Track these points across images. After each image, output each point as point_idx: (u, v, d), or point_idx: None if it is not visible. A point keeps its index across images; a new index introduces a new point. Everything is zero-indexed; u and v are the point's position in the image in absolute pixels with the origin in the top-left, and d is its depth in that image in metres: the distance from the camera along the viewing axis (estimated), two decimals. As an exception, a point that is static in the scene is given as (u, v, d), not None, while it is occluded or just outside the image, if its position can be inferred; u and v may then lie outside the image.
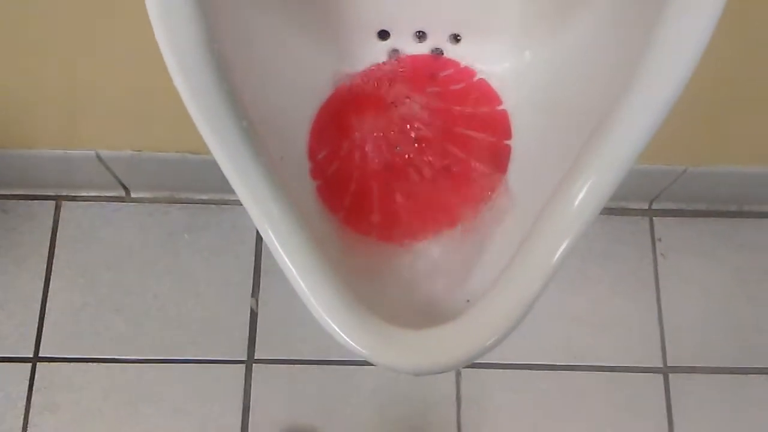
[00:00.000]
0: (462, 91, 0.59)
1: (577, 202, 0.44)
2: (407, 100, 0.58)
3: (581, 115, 0.50)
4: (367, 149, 0.57)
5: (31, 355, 1.00)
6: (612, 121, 0.44)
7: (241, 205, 0.44)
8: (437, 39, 0.59)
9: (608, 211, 1.07)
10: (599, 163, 0.44)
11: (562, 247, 0.44)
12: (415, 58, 0.59)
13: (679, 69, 0.42)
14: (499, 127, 0.58)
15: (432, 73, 0.59)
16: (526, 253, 0.45)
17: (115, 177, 1.01)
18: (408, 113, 0.58)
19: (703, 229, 1.09)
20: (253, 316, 1.02)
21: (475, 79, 0.59)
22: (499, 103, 0.58)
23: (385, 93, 0.59)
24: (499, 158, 0.56)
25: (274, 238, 0.44)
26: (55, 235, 1.05)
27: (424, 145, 0.57)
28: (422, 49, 0.59)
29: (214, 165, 0.44)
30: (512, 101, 0.58)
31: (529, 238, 0.45)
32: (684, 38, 0.42)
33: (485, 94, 0.58)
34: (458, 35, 0.58)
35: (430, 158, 0.57)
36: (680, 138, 0.89)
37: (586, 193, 0.44)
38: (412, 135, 0.58)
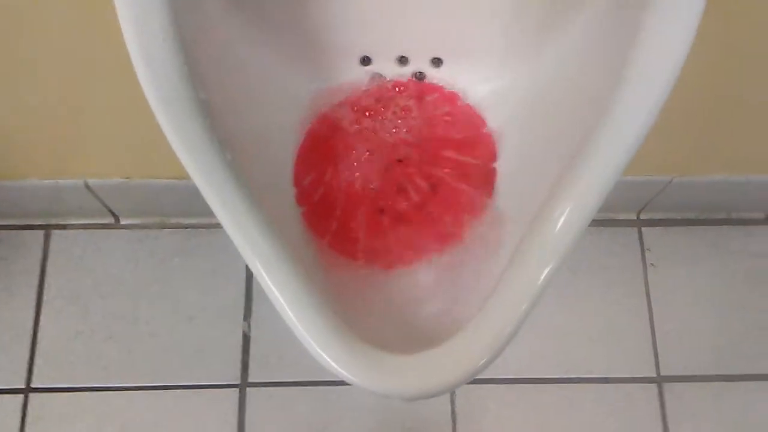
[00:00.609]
0: (447, 115, 0.59)
1: (559, 225, 0.44)
2: (392, 125, 0.59)
3: (564, 135, 0.51)
4: (352, 174, 0.58)
5: (23, 386, 0.99)
6: (591, 143, 0.44)
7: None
8: (419, 63, 0.59)
9: (597, 222, 1.08)
10: (580, 186, 0.44)
11: (547, 269, 0.44)
12: (399, 84, 0.60)
13: (656, 90, 0.43)
14: (485, 150, 0.58)
15: (417, 98, 0.59)
16: (512, 276, 0.45)
17: (104, 204, 1.01)
18: (393, 137, 0.59)
19: (692, 238, 1.09)
20: (246, 339, 1.02)
21: (460, 103, 0.59)
22: (484, 126, 0.58)
23: (370, 118, 0.59)
24: (485, 181, 0.57)
25: (262, 272, 0.44)
26: (45, 265, 1.05)
27: (410, 169, 0.58)
28: (404, 72, 0.60)
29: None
30: (497, 123, 0.58)
31: (514, 262, 0.45)
32: (660, 59, 0.43)
33: (470, 118, 0.59)
34: (440, 59, 0.59)
35: (417, 182, 0.57)
36: (665, 148, 0.90)
37: (569, 215, 0.44)
38: (399, 159, 0.58)
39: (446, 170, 0.57)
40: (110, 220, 1.06)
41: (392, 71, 0.59)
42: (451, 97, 0.59)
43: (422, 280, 0.53)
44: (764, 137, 0.90)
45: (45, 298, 1.03)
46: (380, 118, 0.59)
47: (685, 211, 1.09)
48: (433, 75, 0.59)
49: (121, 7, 0.39)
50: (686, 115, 0.83)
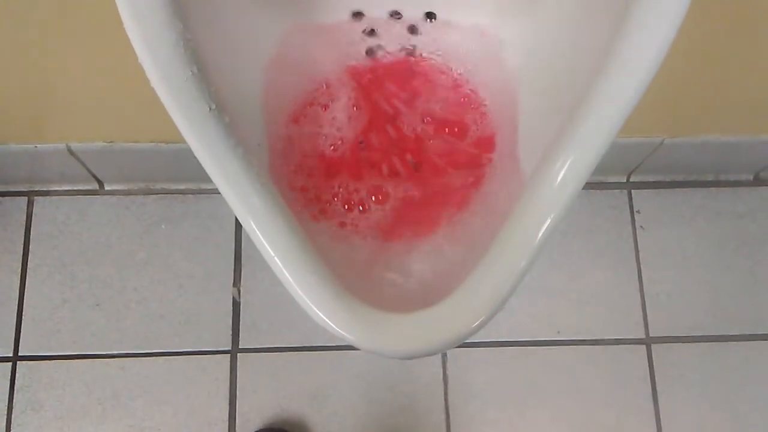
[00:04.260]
0: (450, 97, 0.58)
1: (559, 179, 0.44)
2: (396, 101, 0.58)
3: (563, 90, 0.50)
4: (352, 142, 0.56)
5: (11, 355, 0.98)
6: (590, 99, 0.44)
7: (219, 193, 0.44)
8: (412, 17, 0.58)
9: (587, 185, 1.06)
10: (579, 139, 0.44)
11: (546, 224, 0.44)
12: (405, 61, 0.58)
13: (655, 47, 0.42)
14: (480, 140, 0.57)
15: (421, 77, 0.58)
16: (510, 231, 0.44)
17: (88, 170, 0.99)
18: (394, 111, 0.57)
19: (681, 200, 1.10)
20: (236, 305, 1.01)
21: (465, 90, 0.58)
22: (487, 115, 0.57)
23: (375, 90, 0.58)
24: (486, 143, 0.56)
25: (255, 228, 0.43)
26: (29, 232, 1.03)
27: (409, 148, 0.57)
28: (397, 27, 0.58)
29: (188, 154, 0.43)
30: (490, 86, 0.58)
31: (512, 217, 0.45)
32: (659, 16, 0.42)
33: (473, 103, 0.58)
34: (433, 13, 0.58)
35: (412, 155, 0.57)
36: (657, 109, 0.90)
37: (568, 169, 0.44)
38: (402, 132, 0.57)
39: (448, 139, 0.57)
40: (94, 185, 1.04)
41: (385, 26, 0.58)
42: (456, 83, 0.58)
43: (420, 245, 0.53)
44: (754, 98, 0.90)
45: (30, 265, 1.02)
46: (385, 93, 0.58)
47: (675, 174, 1.09)
48: (427, 29, 0.58)
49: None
50: (677, 76, 0.82)
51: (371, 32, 0.58)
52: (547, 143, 0.47)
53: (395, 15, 0.58)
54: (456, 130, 0.57)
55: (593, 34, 0.48)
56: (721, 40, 0.78)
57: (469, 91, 0.58)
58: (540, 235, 0.44)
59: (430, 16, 0.58)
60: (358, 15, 0.58)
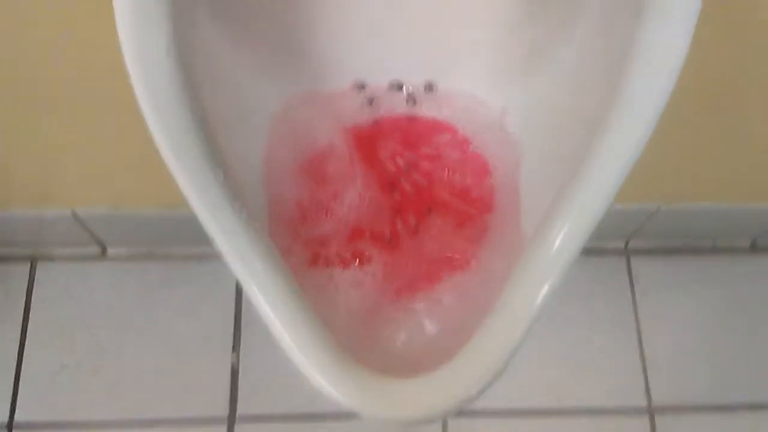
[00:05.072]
0: (453, 156, 0.60)
1: (556, 246, 0.44)
2: (399, 159, 0.59)
3: (560, 157, 0.51)
4: (354, 200, 0.58)
5: (7, 421, 0.97)
6: (586, 165, 0.45)
7: (219, 257, 0.44)
8: (412, 88, 0.60)
9: (585, 251, 1.07)
10: (576, 206, 0.45)
11: (544, 291, 0.44)
12: (407, 120, 0.60)
13: (644, 118, 0.43)
14: (481, 197, 0.58)
15: (425, 136, 0.60)
16: (507, 299, 0.45)
17: (92, 234, 1.00)
18: (397, 171, 0.59)
19: (679, 266, 1.10)
20: (234, 371, 1.00)
21: (470, 149, 0.60)
22: (488, 173, 0.59)
23: (380, 149, 0.59)
24: (487, 203, 0.57)
25: (256, 291, 0.44)
26: (30, 296, 1.03)
27: (411, 204, 0.58)
28: (398, 97, 0.60)
29: (191, 218, 0.44)
30: (492, 147, 0.59)
31: (511, 283, 0.45)
32: (647, 90, 0.43)
33: (477, 163, 0.59)
34: (433, 84, 0.60)
35: (413, 215, 0.58)
36: (653, 176, 0.91)
37: (565, 236, 0.44)
38: (403, 192, 0.58)
39: (441, 210, 0.58)
40: (97, 250, 1.05)
41: (386, 96, 0.60)
42: (463, 141, 0.59)
43: (420, 308, 0.53)
44: (749, 167, 0.91)
45: (30, 330, 1.01)
46: (389, 151, 0.59)
47: (673, 240, 1.10)
48: (427, 100, 0.60)
49: (122, 28, 0.39)
50: (673, 143, 0.84)
51: (372, 101, 0.60)
52: (547, 206, 0.48)
53: (396, 85, 0.60)
54: (458, 189, 0.58)
55: (588, 101, 0.50)
56: (715, 109, 0.79)
57: (472, 152, 0.59)
58: (538, 302, 0.45)
59: (430, 86, 0.60)
60: (359, 85, 0.60)
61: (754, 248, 1.12)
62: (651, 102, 0.44)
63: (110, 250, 1.06)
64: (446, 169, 0.59)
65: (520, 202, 0.56)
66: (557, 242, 0.44)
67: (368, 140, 0.59)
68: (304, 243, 0.56)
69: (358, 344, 0.48)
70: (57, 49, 0.65)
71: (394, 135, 0.60)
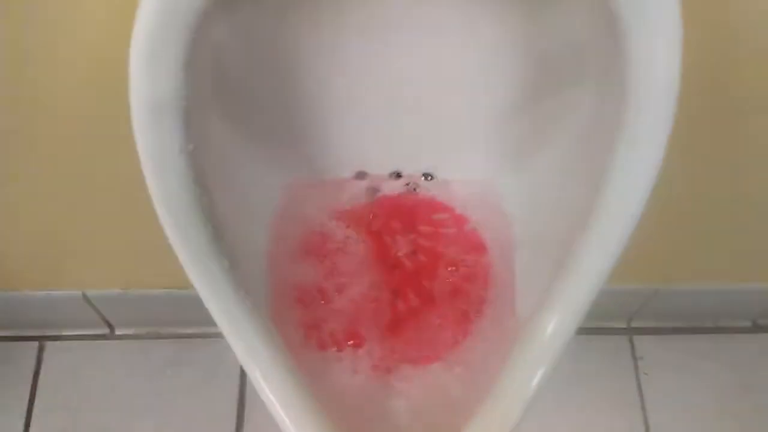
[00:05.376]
0: (452, 236, 0.62)
1: (548, 334, 0.46)
2: (398, 237, 0.62)
3: (549, 245, 0.53)
4: (346, 282, 0.60)
5: (8, 504, 0.96)
6: (575, 253, 0.47)
7: (224, 337, 0.46)
8: (412, 177, 0.63)
9: (588, 330, 1.08)
10: (567, 295, 0.46)
11: (538, 376, 0.46)
12: (407, 198, 0.62)
13: (631, 206, 0.46)
14: (480, 274, 0.60)
15: (421, 214, 0.62)
16: (504, 385, 0.46)
17: (101, 315, 1.01)
18: (396, 249, 0.61)
19: (682, 346, 1.10)
20: (238, 452, 1.00)
21: (467, 227, 0.62)
22: (485, 250, 0.61)
23: (377, 228, 0.61)
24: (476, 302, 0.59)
25: (259, 377, 0.46)
26: (38, 377, 1.04)
27: (409, 282, 0.60)
28: (398, 186, 0.63)
29: (199, 299, 0.46)
30: (489, 228, 0.61)
31: (506, 371, 0.47)
32: (632, 177, 0.46)
33: (472, 241, 0.61)
34: (431, 174, 0.62)
35: (413, 297, 0.59)
36: (650, 259, 0.92)
37: (557, 324, 0.46)
38: (402, 268, 0.60)
39: (443, 288, 0.60)
40: (105, 330, 1.06)
41: (386, 185, 0.63)
42: (461, 221, 0.62)
43: (416, 391, 0.54)
44: (746, 247, 0.92)
45: (35, 411, 1.01)
46: (388, 230, 0.62)
47: (674, 320, 1.10)
48: (427, 186, 0.62)
49: (139, 127, 0.42)
50: (669, 226, 0.85)
51: (372, 189, 0.63)
52: (541, 291, 0.49)
53: (395, 175, 0.63)
54: (456, 266, 0.60)
55: (577, 190, 0.52)
56: (710, 193, 0.81)
57: (470, 230, 0.61)
58: (533, 386, 0.46)
59: (429, 175, 0.63)
60: (360, 175, 0.63)
61: (756, 327, 1.12)
62: (636, 192, 0.46)
63: (118, 330, 1.07)
64: (444, 246, 0.61)
65: (515, 284, 0.58)
66: (548, 330, 0.46)
67: (368, 219, 0.62)
68: (306, 326, 0.57)
69: (353, 425, 0.49)
70: (71, 130, 0.67)
71: (393, 213, 0.62)
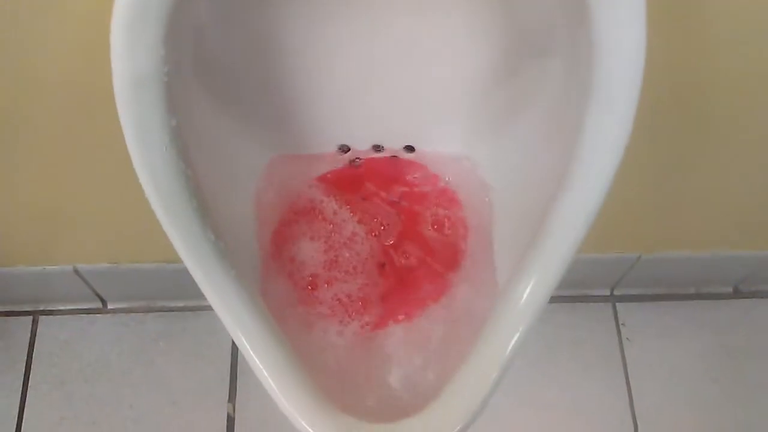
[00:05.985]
0: (427, 194, 0.64)
1: (524, 298, 0.48)
2: (376, 198, 0.63)
3: (528, 210, 0.55)
4: (331, 243, 0.61)
5: (6, 474, 0.99)
6: (551, 219, 0.48)
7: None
8: (393, 150, 0.64)
9: (572, 298, 1.11)
10: (542, 260, 0.48)
11: (515, 339, 0.48)
12: (385, 161, 0.64)
13: (602, 173, 0.47)
14: (457, 228, 0.62)
15: (399, 175, 0.64)
16: (481, 347, 0.48)
17: (92, 289, 1.03)
18: (376, 210, 0.63)
19: (665, 312, 1.12)
20: (231, 421, 1.02)
21: (440, 185, 0.64)
22: (459, 207, 0.63)
23: (356, 191, 0.63)
24: (454, 258, 0.60)
25: (246, 344, 0.47)
26: (32, 351, 1.05)
27: (390, 241, 0.61)
28: (380, 157, 0.64)
29: (189, 273, 0.48)
30: (468, 200, 0.63)
31: (483, 334, 0.48)
32: (603, 141, 0.47)
33: (448, 198, 0.63)
34: (411, 146, 0.64)
35: (393, 255, 0.61)
36: (632, 226, 0.93)
37: (532, 288, 0.48)
38: (379, 231, 0.62)
39: (420, 246, 0.61)
40: (98, 304, 1.08)
41: (368, 156, 0.64)
42: (434, 179, 0.63)
43: (399, 352, 0.56)
44: (727, 215, 0.93)
45: (30, 383, 1.03)
46: (365, 191, 0.63)
47: (657, 287, 1.12)
48: (407, 158, 0.64)
49: (122, 105, 0.43)
50: (651, 194, 0.87)
51: (354, 161, 0.64)
52: (518, 257, 0.51)
53: (377, 148, 0.64)
54: (436, 222, 0.62)
55: (551, 156, 0.53)
56: (690, 159, 0.81)
57: (446, 188, 0.63)
58: (509, 350, 0.48)
59: (409, 148, 0.64)
60: (343, 148, 0.64)
61: (737, 293, 1.14)
62: (607, 160, 0.47)
63: (110, 304, 1.08)
64: (422, 203, 0.63)
65: (493, 251, 0.60)
66: (525, 295, 0.48)
67: (350, 182, 0.63)
68: (295, 290, 0.59)
69: (341, 388, 0.51)
70: (61, 107, 0.67)
71: (375, 177, 0.64)
